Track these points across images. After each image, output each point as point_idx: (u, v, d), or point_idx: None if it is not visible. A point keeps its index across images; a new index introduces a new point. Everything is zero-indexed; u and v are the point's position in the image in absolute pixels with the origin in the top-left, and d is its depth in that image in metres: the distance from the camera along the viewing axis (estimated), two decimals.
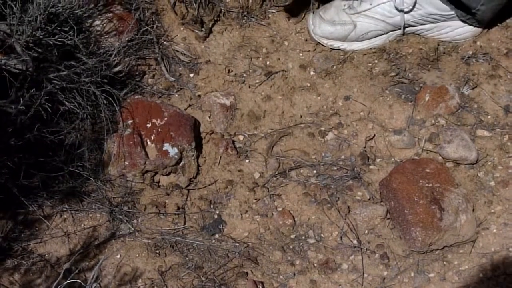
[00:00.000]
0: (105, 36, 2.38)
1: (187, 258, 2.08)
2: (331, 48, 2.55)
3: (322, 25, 2.53)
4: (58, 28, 2.11)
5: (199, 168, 2.29)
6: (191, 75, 2.46)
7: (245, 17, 2.59)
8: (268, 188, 2.26)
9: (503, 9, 2.45)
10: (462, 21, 2.47)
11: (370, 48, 2.54)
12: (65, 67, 2.13)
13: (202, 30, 2.52)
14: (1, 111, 2.01)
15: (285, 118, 2.41)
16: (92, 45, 2.28)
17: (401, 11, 2.46)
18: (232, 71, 2.48)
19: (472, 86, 2.42)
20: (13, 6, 2.00)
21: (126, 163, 2.17)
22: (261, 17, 2.60)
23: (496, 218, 2.17)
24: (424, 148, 2.31)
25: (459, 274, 2.07)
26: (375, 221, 2.17)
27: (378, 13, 2.49)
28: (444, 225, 2.09)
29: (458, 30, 2.50)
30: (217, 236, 2.16)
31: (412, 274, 2.08)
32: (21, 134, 2.03)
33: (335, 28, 2.52)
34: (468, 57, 2.49)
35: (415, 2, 2.44)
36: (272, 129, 2.39)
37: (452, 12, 2.45)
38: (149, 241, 2.10)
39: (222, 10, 2.58)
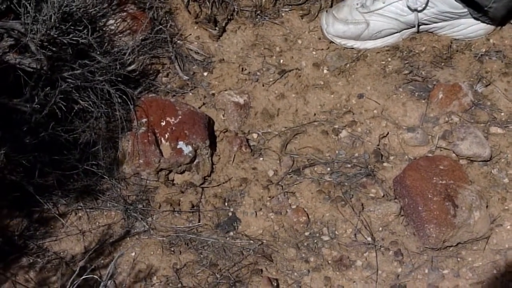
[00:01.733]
0: (119, 35, 2.39)
1: (201, 256, 2.09)
2: (344, 47, 2.56)
3: (335, 24, 2.53)
4: (72, 27, 2.12)
5: (213, 166, 2.29)
6: (205, 73, 2.47)
7: (258, 16, 2.59)
8: (282, 186, 2.26)
9: None
10: (475, 18, 2.47)
11: (384, 46, 2.54)
12: (79, 65, 2.14)
13: (215, 29, 2.52)
14: (16, 109, 2.02)
15: (298, 116, 2.41)
16: (106, 44, 2.29)
17: (414, 9, 2.46)
18: (245, 69, 2.49)
19: (485, 84, 2.42)
20: (28, 5, 2.01)
21: (141, 161, 2.18)
22: (274, 15, 2.61)
23: (509, 215, 2.17)
24: (437, 146, 2.31)
25: (473, 270, 2.07)
26: (389, 218, 2.17)
27: (391, 12, 2.49)
28: (458, 222, 2.09)
29: (471, 27, 2.50)
30: (231, 233, 2.16)
31: (426, 271, 2.08)
32: (36, 133, 2.04)
33: (348, 27, 2.52)
34: (481, 54, 2.49)
35: (428, 1, 2.44)
36: (285, 127, 2.39)
37: (465, 10, 2.45)
38: (164, 238, 2.11)
39: (236, 9, 2.58)
